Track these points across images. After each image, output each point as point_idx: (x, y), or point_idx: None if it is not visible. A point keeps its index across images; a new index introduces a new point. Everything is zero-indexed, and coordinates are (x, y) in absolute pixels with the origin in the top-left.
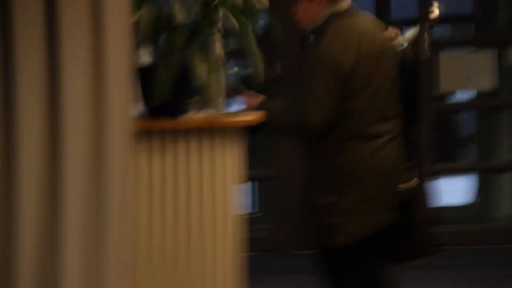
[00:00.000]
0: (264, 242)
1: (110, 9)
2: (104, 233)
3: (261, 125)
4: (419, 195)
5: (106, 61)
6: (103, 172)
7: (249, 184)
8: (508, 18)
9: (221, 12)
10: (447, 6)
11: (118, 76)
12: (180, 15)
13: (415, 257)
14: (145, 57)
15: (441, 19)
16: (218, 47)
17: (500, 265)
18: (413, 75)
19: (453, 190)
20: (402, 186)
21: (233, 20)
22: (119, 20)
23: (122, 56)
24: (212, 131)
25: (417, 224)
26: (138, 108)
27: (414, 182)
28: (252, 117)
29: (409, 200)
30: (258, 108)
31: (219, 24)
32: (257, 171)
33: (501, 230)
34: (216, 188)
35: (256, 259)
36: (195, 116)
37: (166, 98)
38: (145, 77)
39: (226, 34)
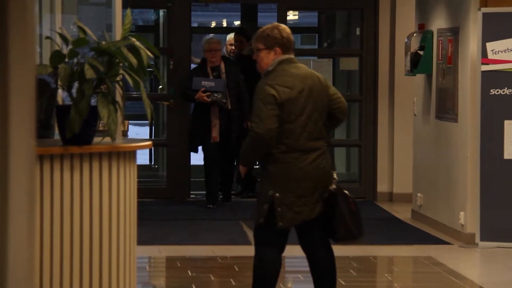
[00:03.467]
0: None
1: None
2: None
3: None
4: (342, 193)
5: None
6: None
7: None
8: (342, 33)
9: (120, 70)
10: (299, 18)
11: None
12: (88, 71)
13: (342, 240)
14: (63, 99)
15: (292, 28)
16: (118, 95)
17: None
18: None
19: None
20: (331, 187)
21: (128, 78)
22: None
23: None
24: (110, 155)
25: (340, 215)
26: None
27: (337, 184)
28: (143, 144)
29: (334, 197)
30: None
31: (119, 78)
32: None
33: None
34: (113, 198)
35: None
36: (98, 143)
37: (76, 131)
38: (61, 114)
39: (126, 86)
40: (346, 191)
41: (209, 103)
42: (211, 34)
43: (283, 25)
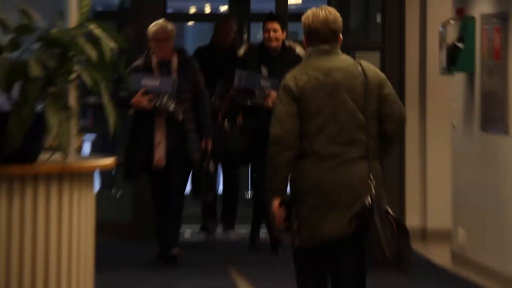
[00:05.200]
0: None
1: None
2: None
3: None
4: (379, 208)
5: None
6: None
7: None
8: (358, 20)
9: (76, 65)
10: (303, 3)
11: None
12: (34, 68)
13: (379, 266)
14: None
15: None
16: (72, 98)
17: None
18: None
19: None
20: (365, 201)
21: (86, 77)
22: None
23: None
24: (61, 177)
25: (374, 232)
26: None
27: (371, 199)
28: (104, 162)
29: (369, 213)
30: None
31: (74, 75)
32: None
33: None
34: (63, 233)
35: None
36: (45, 162)
37: (17, 145)
38: None
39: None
40: (387, 207)
41: (151, 110)
42: (190, 22)
43: (318, 11)
